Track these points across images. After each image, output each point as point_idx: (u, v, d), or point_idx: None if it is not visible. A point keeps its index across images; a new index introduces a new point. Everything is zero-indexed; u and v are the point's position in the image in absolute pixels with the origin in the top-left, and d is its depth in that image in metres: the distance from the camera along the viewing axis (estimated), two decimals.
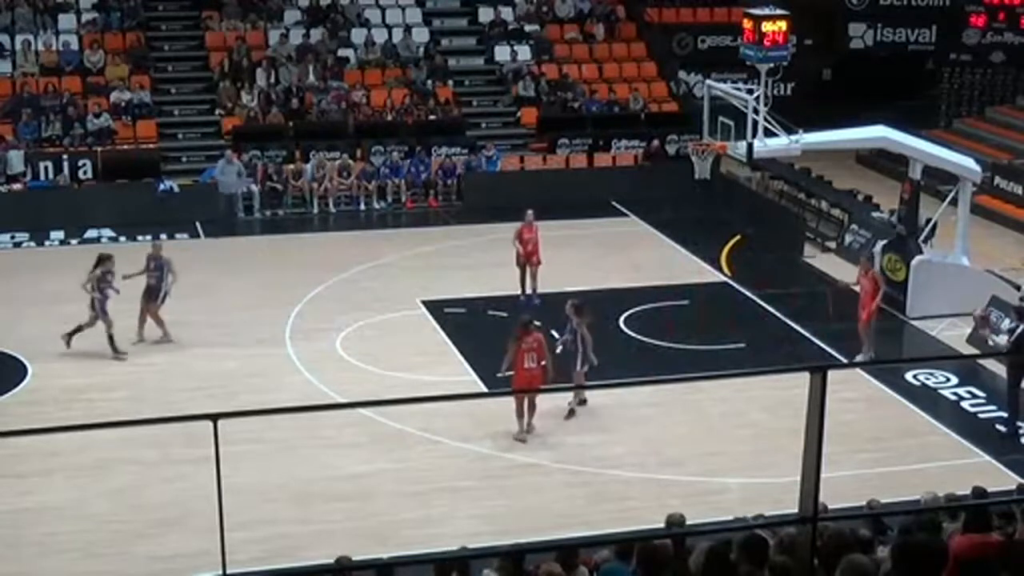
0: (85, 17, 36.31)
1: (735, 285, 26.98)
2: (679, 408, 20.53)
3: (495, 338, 23.63)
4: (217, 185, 31.53)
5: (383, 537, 16.07)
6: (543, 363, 19.39)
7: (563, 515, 16.86)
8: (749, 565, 7.79)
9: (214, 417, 6.36)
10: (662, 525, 12.11)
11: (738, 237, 30.11)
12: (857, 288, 23.26)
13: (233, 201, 31.52)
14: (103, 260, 22.72)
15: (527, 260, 25.54)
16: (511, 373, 19.65)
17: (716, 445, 19.27)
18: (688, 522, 11.91)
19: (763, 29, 26.00)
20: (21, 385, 21.37)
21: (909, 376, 22.02)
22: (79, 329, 22.25)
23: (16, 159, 31.90)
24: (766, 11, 26.55)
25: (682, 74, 38.77)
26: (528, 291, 25.46)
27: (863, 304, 22.88)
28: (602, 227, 30.92)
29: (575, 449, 19.04)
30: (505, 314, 24.81)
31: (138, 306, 22.83)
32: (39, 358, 22.22)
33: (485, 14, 38.54)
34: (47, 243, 29.90)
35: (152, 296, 22.99)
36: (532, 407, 19.33)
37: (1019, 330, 20.56)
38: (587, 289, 25.80)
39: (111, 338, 22.23)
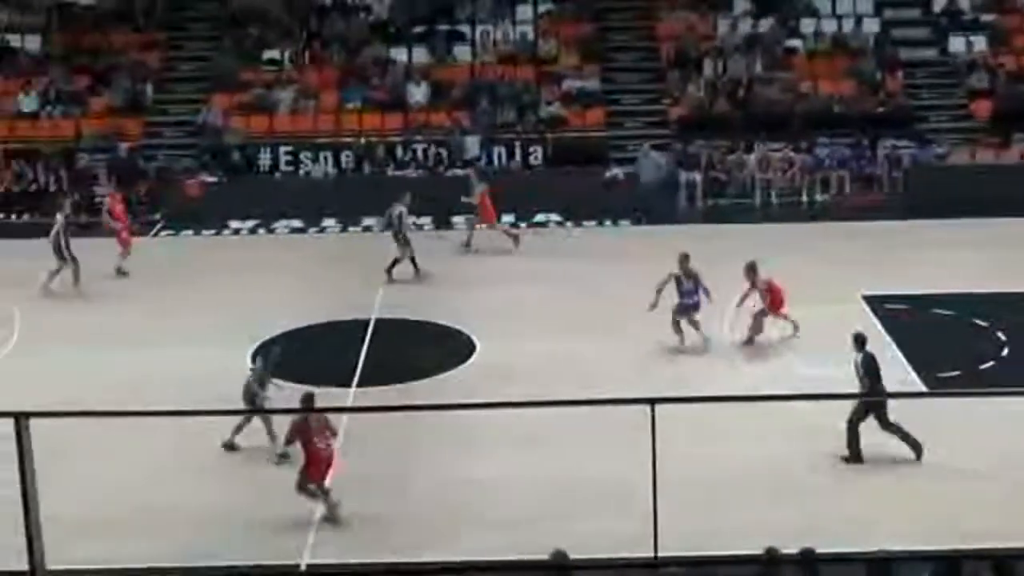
0: (542, 8, 37.56)
1: None
2: None
3: (938, 338, 23.02)
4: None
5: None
6: None
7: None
8: None
9: (652, 401, 6.52)
10: None
11: None
12: None
13: (653, 190, 31.98)
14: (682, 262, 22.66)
15: None
16: None
17: None
18: None
19: None
20: (469, 360, 22.38)
21: None
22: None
23: (472, 144, 33.42)
24: None
25: None
26: None
27: None
28: None
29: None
30: (952, 312, 24.09)
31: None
32: (486, 336, 23.18)
33: (939, 3, 37.39)
34: (498, 225, 31.08)
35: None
36: None
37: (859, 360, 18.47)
38: None
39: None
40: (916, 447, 17.94)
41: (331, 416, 17.25)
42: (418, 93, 35.12)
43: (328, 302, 25.34)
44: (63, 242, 25.99)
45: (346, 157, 33.63)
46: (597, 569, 13.81)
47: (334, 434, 16.96)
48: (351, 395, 20.78)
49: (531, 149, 33.52)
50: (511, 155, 33.48)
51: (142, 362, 21.80)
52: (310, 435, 16.66)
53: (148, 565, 15.16)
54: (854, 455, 18.10)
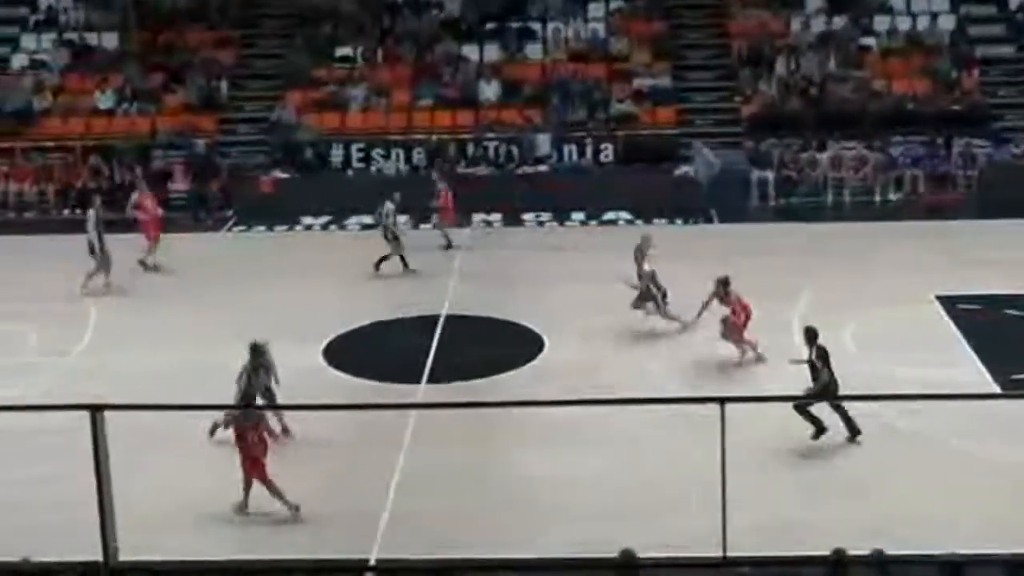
0: (613, 5, 37.56)
1: None
2: None
3: (1012, 338, 22.79)
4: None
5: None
6: None
7: None
8: None
9: (722, 400, 6.52)
10: None
11: None
12: None
13: (703, 189, 31.82)
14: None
15: None
16: None
17: None
18: None
19: None
20: (538, 358, 22.40)
21: None
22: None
23: (543, 142, 33.47)
24: None
25: None
26: None
27: None
28: None
29: None
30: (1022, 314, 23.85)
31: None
32: (555, 333, 23.19)
33: (1015, 0, 36.99)
34: (567, 223, 31.18)
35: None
36: None
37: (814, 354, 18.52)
38: None
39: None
40: (820, 432, 18.26)
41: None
42: (489, 90, 35.22)
43: (398, 298, 25.48)
44: (96, 237, 25.90)
45: (418, 154, 33.78)
46: (665, 568, 13.81)
47: (271, 434, 17.20)
48: (420, 391, 20.88)
49: (602, 147, 33.52)
50: (582, 153, 33.50)
51: (212, 357, 21.96)
52: (244, 430, 16.80)
53: (215, 558, 15.32)
54: (819, 429, 18.31)
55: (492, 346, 23.02)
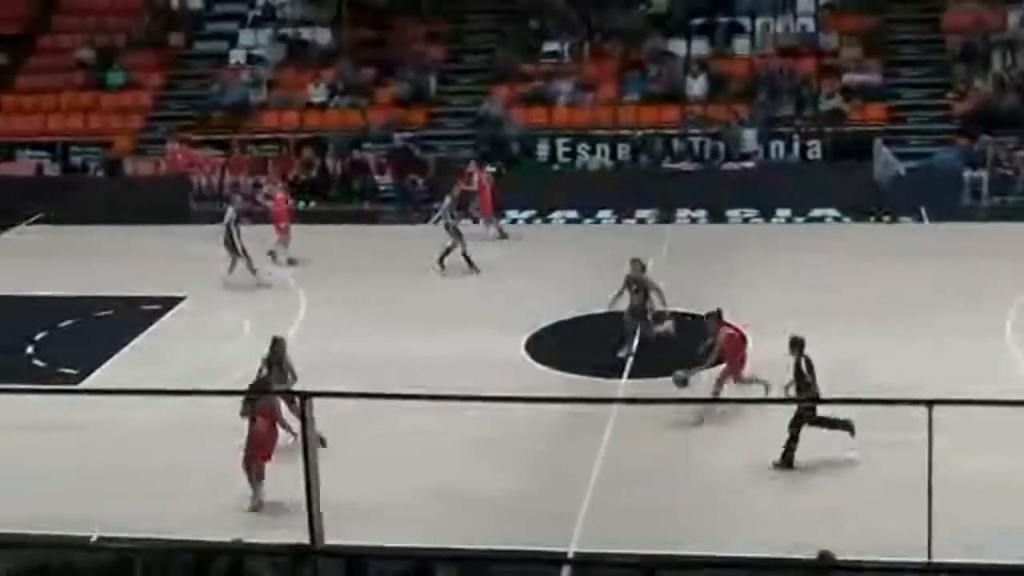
0: (823, 0, 37.06)
1: None
2: None
3: None
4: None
5: None
6: None
7: None
8: None
9: (930, 403, 6.44)
10: None
11: None
12: None
13: (883, 189, 30.98)
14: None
15: None
16: None
17: None
18: None
19: None
20: None
21: None
22: None
23: (750, 137, 33.20)
24: None
25: None
26: None
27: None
28: None
29: None
30: None
31: None
32: (758, 331, 22.86)
33: None
34: (773, 220, 30.86)
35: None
36: None
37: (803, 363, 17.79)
38: None
39: None
40: (848, 427, 17.76)
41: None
42: (696, 86, 35.04)
43: (603, 292, 25.48)
44: (235, 235, 26.26)
45: (623, 149, 33.81)
46: (866, 571, 13.60)
47: (284, 427, 17.47)
48: (621, 387, 20.89)
49: (809, 143, 33.10)
50: (789, 149, 33.15)
51: (418, 346, 22.31)
52: (264, 415, 17.10)
53: (417, 545, 15.58)
54: (787, 461, 17.69)
55: (694, 342, 22.86)
